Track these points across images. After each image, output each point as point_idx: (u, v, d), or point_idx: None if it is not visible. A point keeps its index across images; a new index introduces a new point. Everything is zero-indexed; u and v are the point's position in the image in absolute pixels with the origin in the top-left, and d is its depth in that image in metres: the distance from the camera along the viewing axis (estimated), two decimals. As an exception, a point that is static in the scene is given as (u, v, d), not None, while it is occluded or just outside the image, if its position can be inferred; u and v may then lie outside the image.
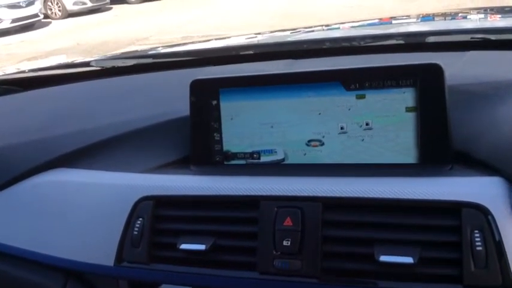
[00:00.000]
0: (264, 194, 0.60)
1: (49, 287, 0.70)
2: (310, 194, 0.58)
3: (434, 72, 0.61)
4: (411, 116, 0.62)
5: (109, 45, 6.25)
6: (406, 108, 0.63)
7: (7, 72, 1.19)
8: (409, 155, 0.63)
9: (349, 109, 0.65)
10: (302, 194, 0.59)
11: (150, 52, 1.24)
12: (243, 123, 0.70)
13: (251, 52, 1.05)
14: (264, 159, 0.69)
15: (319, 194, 0.58)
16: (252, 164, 0.69)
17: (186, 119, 0.72)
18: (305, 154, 0.67)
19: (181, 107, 0.73)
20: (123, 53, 1.22)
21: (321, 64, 0.84)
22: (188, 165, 0.71)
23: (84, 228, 0.67)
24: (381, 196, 0.56)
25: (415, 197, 0.55)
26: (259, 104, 0.69)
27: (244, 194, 0.61)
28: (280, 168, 0.67)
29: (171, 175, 0.68)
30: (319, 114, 0.66)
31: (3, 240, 0.73)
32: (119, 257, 0.64)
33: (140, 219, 0.63)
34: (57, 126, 0.81)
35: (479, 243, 0.50)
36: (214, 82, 0.70)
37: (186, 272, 0.60)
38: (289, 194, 0.59)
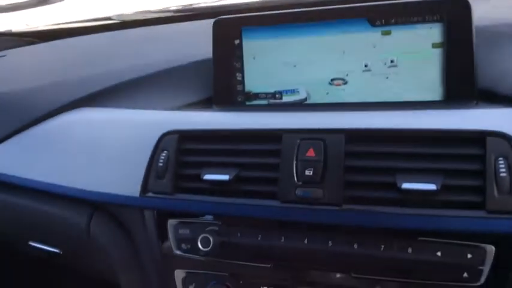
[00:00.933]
0: (287, 127, 0.60)
1: (75, 220, 0.72)
2: (333, 127, 0.58)
3: (462, 7, 0.59)
4: (437, 52, 0.62)
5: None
6: (433, 44, 0.62)
7: (30, 25, 1.20)
8: (434, 92, 0.62)
9: (374, 46, 0.64)
10: (325, 127, 0.59)
11: (171, 8, 1.23)
12: (265, 63, 0.69)
13: (272, 5, 1.04)
14: (286, 99, 0.69)
15: (342, 126, 0.58)
16: (273, 104, 0.69)
17: (210, 62, 0.72)
18: (328, 93, 0.67)
19: (205, 50, 0.73)
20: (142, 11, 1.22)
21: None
22: (210, 106, 0.72)
23: (109, 161, 0.69)
24: (404, 127, 0.56)
25: (439, 127, 0.54)
26: (282, 43, 0.68)
27: (267, 127, 0.62)
28: (302, 108, 0.67)
29: (195, 112, 0.69)
30: (343, 52, 0.65)
31: (31, 176, 0.75)
32: (145, 188, 0.65)
33: (165, 152, 0.64)
34: (82, 69, 0.82)
35: (503, 170, 0.50)
36: (237, 20, 0.70)
37: (209, 201, 0.61)
38: (312, 127, 0.59)
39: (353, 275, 0.56)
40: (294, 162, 0.58)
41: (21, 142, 0.79)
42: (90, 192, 0.69)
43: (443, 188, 0.52)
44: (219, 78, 0.71)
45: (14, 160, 0.78)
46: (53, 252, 0.79)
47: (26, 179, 0.75)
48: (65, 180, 0.72)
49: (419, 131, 0.55)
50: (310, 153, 0.58)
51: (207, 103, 0.73)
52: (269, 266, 0.59)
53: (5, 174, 0.78)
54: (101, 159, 0.70)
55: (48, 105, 0.77)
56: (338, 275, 0.57)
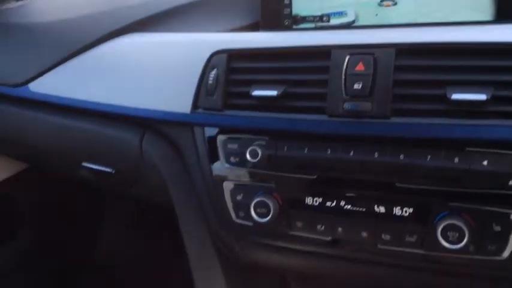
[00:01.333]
0: (336, 43, 0.61)
1: (128, 139, 0.76)
2: (383, 41, 0.59)
3: None
4: (491, -31, 0.61)
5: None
6: (486, -39, 0.61)
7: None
8: (485, 12, 0.61)
9: (425, -35, 0.64)
10: (374, 42, 0.59)
11: None
12: (313, -15, 0.70)
13: None
14: (333, 21, 0.69)
15: (392, 41, 0.59)
16: (321, 27, 0.70)
17: None
18: (377, 15, 0.67)
19: None
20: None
21: None
22: (257, 30, 0.73)
23: (160, 81, 0.71)
24: (454, 40, 0.56)
25: (489, 40, 0.54)
26: (331, -36, 0.68)
27: (316, 44, 0.62)
28: (350, 28, 0.68)
29: (243, 33, 0.70)
30: (394, -28, 0.65)
31: (84, 97, 0.78)
32: (195, 105, 0.68)
33: (214, 70, 0.66)
34: None
35: None
36: None
37: (258, 116, 0.63)
38: (362, 43, 0.60)
39: (397, 184, 0.58)
40: (343, 77, 0.59)
41: (74, 66, 0.82)
42: (142, 109, 0.72)
43: (493, 99, 0.52)
44: (267, 2, 0.72)
45: (68, 83, 0.82)
46: (105, 171, 0.83)
47: (80, 101, 0.79)
48: (118, 100, 0.75)
49: (470, 43, 0.55)
50: (360, 67, 0.59)
51: (254, 28, 0.74)
52: (314, 177, 0.62)
53: (59, 97, 0.82)
54: (152, 79, 0.72)
55: (99, 32, 0.80)
56: (383, 185, 0.58)
